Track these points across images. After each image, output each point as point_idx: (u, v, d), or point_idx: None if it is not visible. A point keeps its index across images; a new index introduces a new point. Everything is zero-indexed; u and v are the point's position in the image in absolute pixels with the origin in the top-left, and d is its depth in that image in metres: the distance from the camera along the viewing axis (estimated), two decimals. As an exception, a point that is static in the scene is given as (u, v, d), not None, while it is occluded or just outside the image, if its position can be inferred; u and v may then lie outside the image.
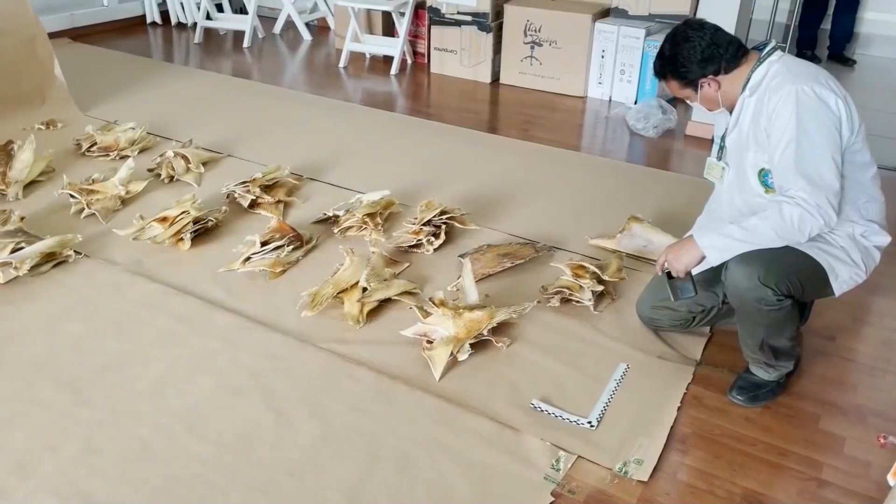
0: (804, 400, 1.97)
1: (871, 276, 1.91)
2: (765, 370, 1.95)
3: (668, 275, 1.91)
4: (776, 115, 1.75)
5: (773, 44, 1.84)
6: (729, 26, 3.40)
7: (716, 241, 1.81)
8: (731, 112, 1.91)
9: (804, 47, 4.96)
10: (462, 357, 2.05)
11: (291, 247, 2.54)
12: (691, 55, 1.82)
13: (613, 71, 4.25)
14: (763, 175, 1.84)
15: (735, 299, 1.85)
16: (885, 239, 1.88)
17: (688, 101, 1.95)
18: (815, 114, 1.71)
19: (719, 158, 1.98)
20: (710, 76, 1.84)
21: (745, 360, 2.00)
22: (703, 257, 1.83)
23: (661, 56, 1.89)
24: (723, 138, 1.95)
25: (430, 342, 2.08)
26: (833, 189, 1.71)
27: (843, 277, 1.83)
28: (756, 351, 1.92)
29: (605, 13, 4.32)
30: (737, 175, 1.93)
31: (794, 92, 1.72)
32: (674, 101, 4.20)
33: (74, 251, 2.53)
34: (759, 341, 1.89)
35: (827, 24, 5.03)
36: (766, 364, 1.93)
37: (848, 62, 4.87)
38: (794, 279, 1.78)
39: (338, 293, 2.28)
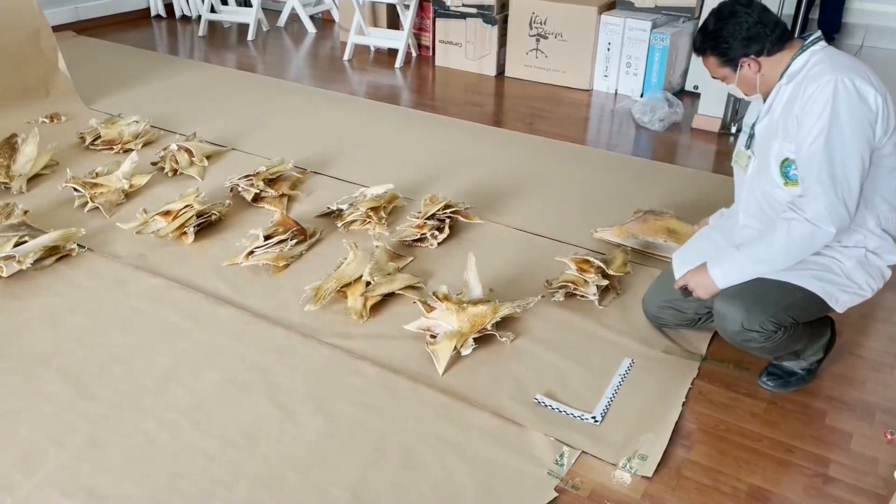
0: (811, 396, 1.96)
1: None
2: (794, 362, 1.95)
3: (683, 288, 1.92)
4: (811, 103, 1.66)
5: (817, 33, 1.77)
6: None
7: (728, 273, 1.78)
8: (765, 99, 1.83)
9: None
10: (465, 352, 2.05)
11: (295, 241, 2.54)
12: (736, 32, 1.73)
13: (619, 64, 4.22)
14: (785, 166, 1.77)
15: (724, 337, 1.86)
16: None
17: (723, 83, 1.85)
18: (851, 107, 1.64)
19: (747, 147, 1.90)
20: (752, 56, 1.75)
21: (751, 357, 1.99)
22: None
23: (703, 31, 1.79)
24: (753, 126, 1.87)
25: (433, 337, 2.08)
26: (852, 190, 1.65)
27: (843, 300, 1.80)
28: (776, 359, 1.94)
29: (610, 5, 4.29)
30: (761, 163, 1.85)
31: (832, 82, 1.64)
32: (680, 94, 4.18)
33: (78, 245, 2.53)
34: (771, 358, 1.92)
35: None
36: (794, 360, 1.95)
37: None
38: (782, 315, 1.75)
39: (341, 287, 2.28)
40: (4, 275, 2.35)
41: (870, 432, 1.84)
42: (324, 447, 1.76)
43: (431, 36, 4.81)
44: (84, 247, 2.55)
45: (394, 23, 4.99)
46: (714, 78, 1.86)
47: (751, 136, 1.88)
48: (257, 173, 2.92)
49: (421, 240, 2.60)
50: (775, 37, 1.74)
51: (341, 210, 2.73)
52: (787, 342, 1.80)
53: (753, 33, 1.73)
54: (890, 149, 1.71)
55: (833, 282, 1.77)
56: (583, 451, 1.75)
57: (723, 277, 1.79)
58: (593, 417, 1.85)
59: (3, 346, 2.08)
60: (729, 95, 3.61)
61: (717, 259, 1.83)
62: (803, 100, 1.69)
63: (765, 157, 1.83)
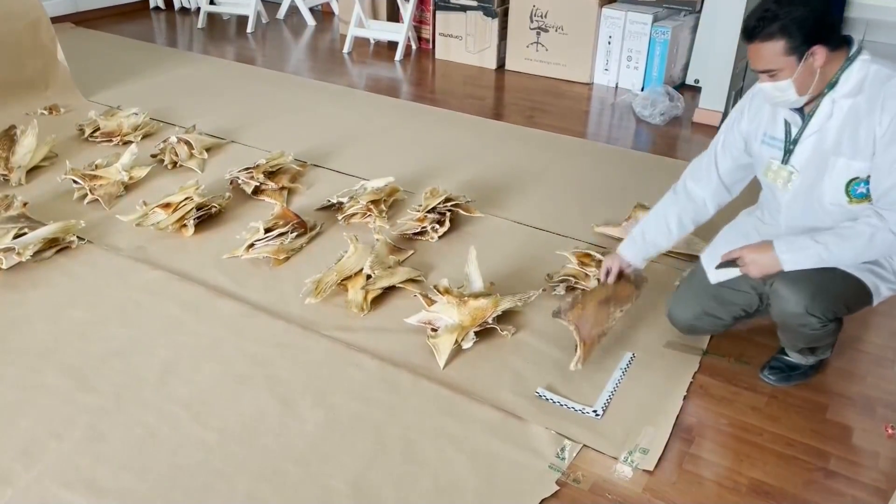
0: (812, 390, 1.95)
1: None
2: (803, 357, 1.95)
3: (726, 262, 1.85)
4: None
5: (859, 41, 1.70)
6: (739, 13, 3.36)
7: (798, 260, 1.71)
8: (802, 110, 1.74)
9: None
10: (466, 345, 2.04)
11: (295, 234, 2.53)
12: (810, 14, 1.60)
13: (620, 57, 4.21)
14: (853, 185, 1.71)
15: (778, 319, 1.83)
16: None
17: (770, 80, 1.67)
18: None
19: (785, 162, 1.80)
20: (821, 45, 1.62)
21: (752, 351, 1.99)
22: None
23: (770, 11, 1.61)
24: (792, 142, 1.78)
25: (434, 330, 2.07)
26: None
27: (884, 293, 1.81)
28: (795, 350, 1.94)
29: (611, -1, 4.28)
30: (811, 181, 1.77)
31: None
32: (680, 88, 4.17)
33: (77, 237, 2.52)
34: (799, 348, 1.92)
35: None
36: (804, 355, 1.95)
37: None
38: (840, 304, 1.76)
39: (342, 280, 2.27)
40: (4, 267, 2.34)
41: (871, 427, 1.84)
42: (324, 440, 1.76)
43: (431, 29, 4.79)
44: (84, 239, 2.54)
45: (394, 15, 4.97)
46: (762, 72, 1.68)
47: (789, 152, 1.80)
48: (257, 166, 2.91)
49: (421, 233, 2.59)
50: (840, 31, 1.67)
51: (342, 203, 2.72)
52: (833, 332, 1.81)
53: (829, 20, 1.63)
54: None
55: (881, 276, 1.79)
56: (584, 445, 1.75)
57: (791, 263, 1.72)
58: (594, 411, 1.85)
59: (2, 339, 2.07)
60: (730, 90, 3.60)
61: (788, 244, 1.73)
62: (889, 119, 1.62)
63: (819, 174, 1.75)
